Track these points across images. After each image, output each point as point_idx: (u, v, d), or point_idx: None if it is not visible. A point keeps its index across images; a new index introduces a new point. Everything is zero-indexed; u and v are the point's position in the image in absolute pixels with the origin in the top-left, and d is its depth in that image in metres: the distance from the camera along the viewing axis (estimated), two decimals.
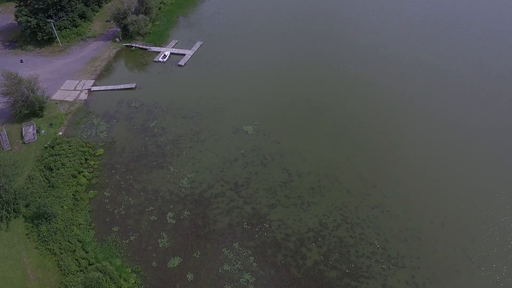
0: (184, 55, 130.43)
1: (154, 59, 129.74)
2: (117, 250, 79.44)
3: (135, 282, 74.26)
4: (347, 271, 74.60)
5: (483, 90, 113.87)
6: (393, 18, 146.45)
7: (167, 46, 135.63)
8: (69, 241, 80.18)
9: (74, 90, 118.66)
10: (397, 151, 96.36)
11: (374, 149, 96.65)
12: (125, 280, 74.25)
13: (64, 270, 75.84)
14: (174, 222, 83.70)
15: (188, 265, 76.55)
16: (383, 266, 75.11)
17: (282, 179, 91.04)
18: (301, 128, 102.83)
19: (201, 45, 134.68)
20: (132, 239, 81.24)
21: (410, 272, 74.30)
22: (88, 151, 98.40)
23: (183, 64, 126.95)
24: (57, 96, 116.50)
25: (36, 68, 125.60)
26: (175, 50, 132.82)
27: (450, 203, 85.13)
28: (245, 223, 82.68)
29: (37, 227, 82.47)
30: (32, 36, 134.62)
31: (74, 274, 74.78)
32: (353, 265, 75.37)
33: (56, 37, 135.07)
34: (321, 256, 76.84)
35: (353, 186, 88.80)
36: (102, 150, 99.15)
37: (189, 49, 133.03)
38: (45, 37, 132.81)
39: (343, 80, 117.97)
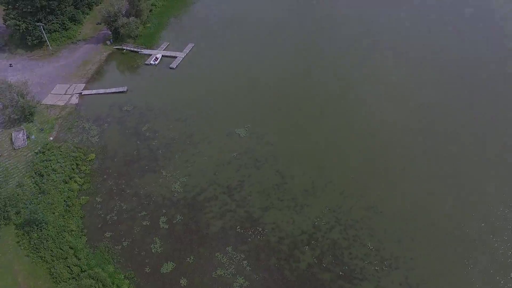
0: (175, 57, 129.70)
1: (146, 62, 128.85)
2: (110, 256, 78.91)
3: None
4: (340, 273, 74.65)
5: (482, 91, 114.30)
6: (391, 19, 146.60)
7: (159, 48, 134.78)
8: (60, 248, 79.40)
9: (65, 94, 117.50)
10: (391, 152, 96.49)
11: (367, 151, 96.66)
12: (118, 286, 73.79)
13: (56, 277, 75.20)
14: (167, 227, 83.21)
15: (182, 270, 76.22)
16: (376, 268, 75.26)
17: (275, 181, 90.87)
18: (294, 130, 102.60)
19: (192, 47, 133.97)
20: (124, 244, 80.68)
21: (403, 273, 74.56)
22: (79, 156, 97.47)
23: (175, 66, 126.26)
24: (47, 100, 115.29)
25: (26, 72, 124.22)
26: (167, 53, 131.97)
27: (443, 203, 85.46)
28: (238, 227, 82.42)
29: (28, 234, 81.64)
30: (22, 40, 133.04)
31: (66, 282, 74.20)
32: (346, 267, 75.44)
33: (46, 41, 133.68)
34: (315, 259, 76.81)
35: (347, 187, 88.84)
36: (93, 155, 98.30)
37: (181, 51, 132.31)
38: (34, 41, 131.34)
39: (337, 82, 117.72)
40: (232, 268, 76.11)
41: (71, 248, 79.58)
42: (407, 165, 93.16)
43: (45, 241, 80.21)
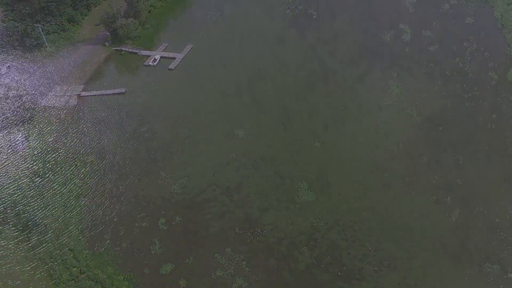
0: (174, 58, 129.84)
1: (144, 63, 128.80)
2: (109, 258, 79.09)
3: None
4: (339, 274, 75.03)
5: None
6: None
7: (157, 49, 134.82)
8: (60, 250, 79.58)
9: (64, 95, 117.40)
10: (388, 153, 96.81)
11: (367, 153, 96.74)
12: None
13: (55, 279, 75.42)
14: (166, 228, 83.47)
15: (181, 271, 76.51)
16: (375, 268, 75.64)
17: (274, 182, 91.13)
18: (292, 132, 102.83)
19: (191, 48, 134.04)
20: (123, 246, 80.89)
21: (401, 274, 74.94)
22: (78, 158, 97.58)
23: (173, 68, 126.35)
24: (46, 102, 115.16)
25: (24, 73, 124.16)
26: (165, 54, 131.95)
27: (441, 204, 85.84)
28: (237, 228, 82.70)
29: (27, 236, 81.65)
30: (20, 41, 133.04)
31: (65, 284, 74.54)
32: (345, 268, 75.81)
33: (44, 42, 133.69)
34: (313, 260, 77.16)
35: (345, 188, 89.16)
36: (92, 156, 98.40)
37: (180, 52, 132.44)
38: (33, 43, 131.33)
39: (336, 84, 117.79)
40: (231, 269, 76.41)
41: (70, 250, 79.79)
42: (407, 168, 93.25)
43: (44, 243, 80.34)
